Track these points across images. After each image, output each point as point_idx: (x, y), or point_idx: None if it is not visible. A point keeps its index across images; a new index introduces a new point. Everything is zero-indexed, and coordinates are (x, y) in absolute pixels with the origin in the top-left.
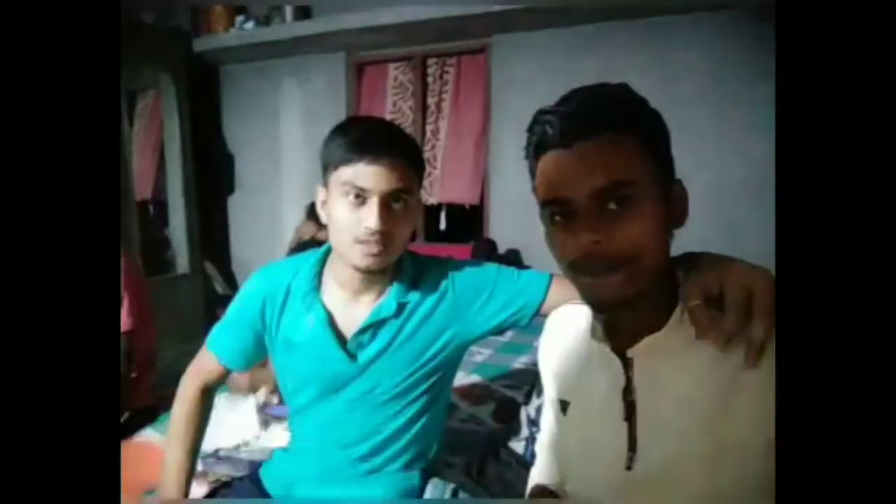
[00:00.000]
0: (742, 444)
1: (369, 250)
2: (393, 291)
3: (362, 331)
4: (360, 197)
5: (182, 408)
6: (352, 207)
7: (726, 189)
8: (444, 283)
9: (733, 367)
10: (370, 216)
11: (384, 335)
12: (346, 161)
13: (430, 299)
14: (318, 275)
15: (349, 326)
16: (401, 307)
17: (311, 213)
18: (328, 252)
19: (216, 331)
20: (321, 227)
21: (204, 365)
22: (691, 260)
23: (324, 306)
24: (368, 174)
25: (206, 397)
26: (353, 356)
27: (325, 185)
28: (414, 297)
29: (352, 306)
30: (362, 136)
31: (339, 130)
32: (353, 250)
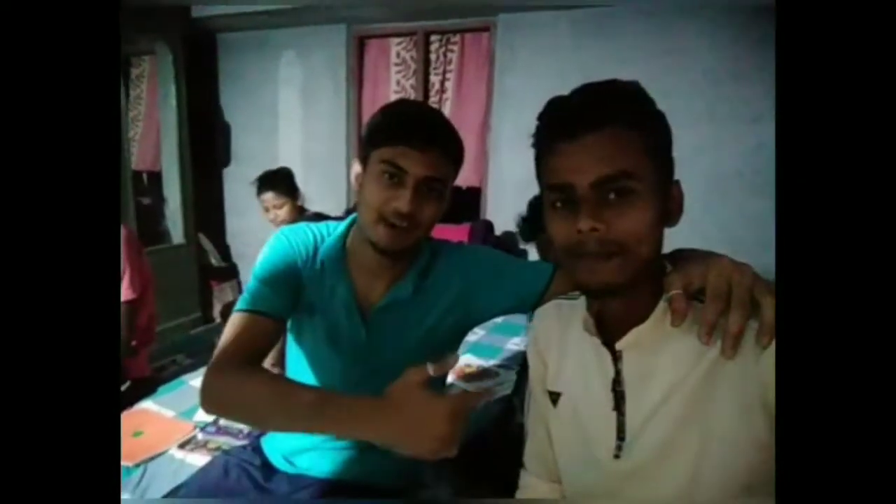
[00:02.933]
0: (726, 433)
1: (393, 231)
2: (411, 275)
3: (380, 310)
4: (396, 177)
5: (243, 386)
6: (386, 186)
7: (722, 179)
8: (455, 268)
9: (715, 358)
10: (402, 198)
11: (398, 315)
12: (391, 140)
13: (442, 282)
14: (345, 247)
15: (367, 304)
16: (417, 290)
17: (281, 186)
18: (350, 226)
19: (255, 291)
20: (291, 198)
21: (248, 335)
22: (680, 255)
23: (351, 279)
24: (410, 157)
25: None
26: (370, 334)
27: (364, 160)
28: (428, 280)
29: (370, 284)
30: (412, 120)
31: (391, 110)
32: (378, 228)
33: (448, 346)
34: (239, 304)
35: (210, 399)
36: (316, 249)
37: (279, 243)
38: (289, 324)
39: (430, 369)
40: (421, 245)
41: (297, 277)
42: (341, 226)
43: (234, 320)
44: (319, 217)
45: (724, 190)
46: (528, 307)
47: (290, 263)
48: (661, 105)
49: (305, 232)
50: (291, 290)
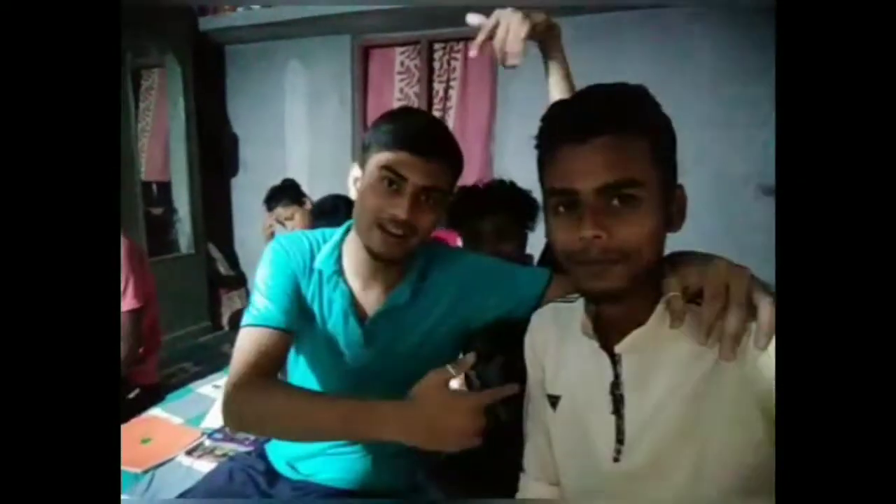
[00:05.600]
0: (725, 436)
1: (389, 238)
2: (407, 280)
3: (378, 316)
4: (395, 185)
5: (262, 404)
6: (384, 192)
7: (728, 183)
8: (452, 272)
9: (714, 360)
10: (400, 205)
11: (396, 321)
12: (391, 146)
13: (439, 287)
14: (340, 256)
15: (364, 310)
16: (414, 294)
17: (285, 198)
18: (346, 233)
19: (259, 306)
20: (299, 206)
21: (260, 350)
22: (678, 258)
23: (349, 288)
24: (410, 164)
25: (273, 378)
26: (369, 340)
27: (363, 165)
28: (425, 284)
29: (365, 292)
30: (414, 128)
31: (392, 117)
32: (374, 234)
33: (448, 349)
34: (246, 320)
35: (234, 418)
36: (312, 257)
37: (276, 254)
38: None
39: (451, 370)
40: (417, 250)
41: (296, 287)
42: (337, 232)
43: (244, 336)
44: (338, 198)
45: (730, 194)
46: (526, 311)
47: (288, 274)
48: (667, 109)
49: (301, 240)
50: (293, 301)
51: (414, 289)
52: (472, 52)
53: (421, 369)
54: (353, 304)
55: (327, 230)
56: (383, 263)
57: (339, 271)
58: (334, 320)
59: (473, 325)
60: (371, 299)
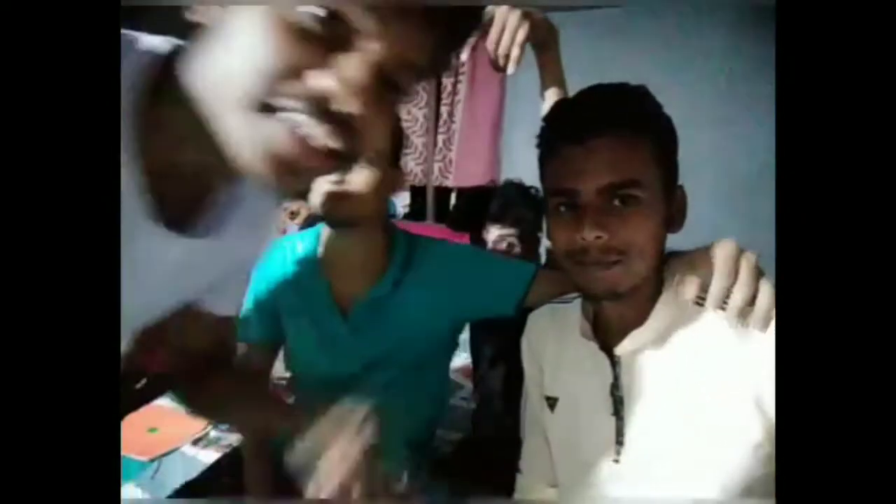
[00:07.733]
0: (724, 436)
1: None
2: (389, 271)
3: (361, 308)
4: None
5: None
6: None
7: (734, 180)
8: (434, 264)
9: (713, 361)
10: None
11: (380, 312)
12: None
13: (421, 278)
14: (317, 248)
15: (347, 303)
16: (396, 284)
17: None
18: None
19: (244, 321)
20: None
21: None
22: (678, 257)
23: (327, 280)
24: None
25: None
26: (353, 331)
27: None
28: (408, 274)
29: (347, 284)
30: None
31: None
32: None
33: (438, 347)
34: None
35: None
36: (288, 257)
37: (257, 267)
38: (284, 328)
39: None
40: (397, 239)
41: (274, 294)
42: (314, 230)
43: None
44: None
45: (737, 191)
46: (510, 309)
47: (269, 285)
48: (674, 106)
49: (276, 245)
50: (272, 311)
51: (396, 279)
52: (462, 56)
53: (409, 359)
54: (334, 297)
55: (302, 231)
56: (363, 255)
57: (317, 266)
58: (318, 314)
59: (459, 318)
60: (354, 292)
